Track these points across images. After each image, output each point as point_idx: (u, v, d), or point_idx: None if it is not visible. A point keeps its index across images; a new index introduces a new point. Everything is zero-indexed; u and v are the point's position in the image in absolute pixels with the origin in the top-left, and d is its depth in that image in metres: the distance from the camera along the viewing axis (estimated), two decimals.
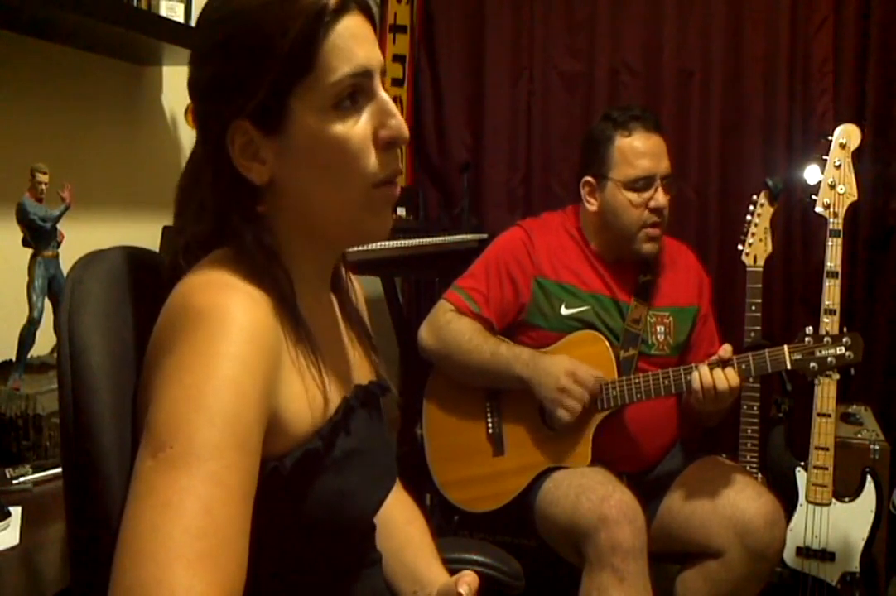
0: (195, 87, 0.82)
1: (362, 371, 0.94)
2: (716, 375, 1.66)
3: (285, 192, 0.81)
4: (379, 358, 0.98)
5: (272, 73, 0.75)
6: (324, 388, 0.81)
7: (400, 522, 1.07)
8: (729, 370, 1.66)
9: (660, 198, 1.86)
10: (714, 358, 1.69)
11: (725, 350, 1.68)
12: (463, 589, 0.88)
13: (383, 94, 0.80)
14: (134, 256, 0.86)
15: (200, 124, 0.83)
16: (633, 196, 1.86)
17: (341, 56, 0.76)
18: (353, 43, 0.77)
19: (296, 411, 0.77)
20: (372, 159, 0.79)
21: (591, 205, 1.93)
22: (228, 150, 0.79)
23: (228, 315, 0.71)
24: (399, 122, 0.80)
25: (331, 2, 0.76)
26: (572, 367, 1.79)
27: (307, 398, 0.79)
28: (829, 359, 1.66)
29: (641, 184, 1.85)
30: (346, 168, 0.79)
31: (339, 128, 0.78)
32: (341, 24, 0.76)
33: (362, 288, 1.06)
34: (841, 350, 1.66)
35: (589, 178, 1.93)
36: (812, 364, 1.66)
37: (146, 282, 0.84)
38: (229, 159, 0.79)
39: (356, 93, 0.78)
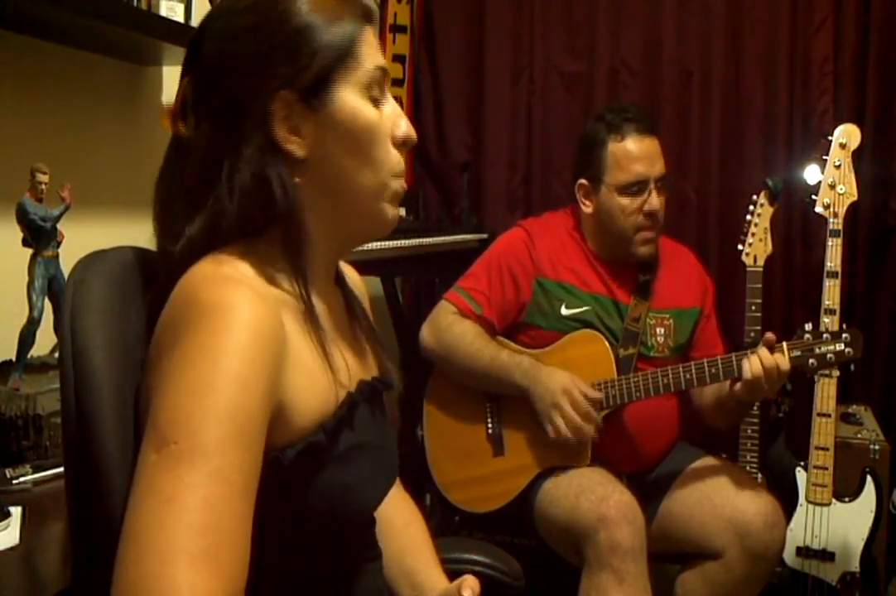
0: (230, 61, 0.81)
1: (367, 366, 0.94)
2: (778, 359, 1.62)
3: (318, 169, 0.83)
4: (384, 351, 0.98)
5: (326, 53, 0.80)
6: (329, 382, 0.81)
7: (399, 524, 1.07)
8: (779, 354, 1.64)
9: (653, 201, 1.85)
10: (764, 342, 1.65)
11: (770, 337, 1.65)
12: (467, 592, 0.88)
13: (391, 98, 0.87)
14: (137, 256, 0.86)
15: (231, 101, 0.80)
16: (626, 201, 1.85)
17: (371, 52, 0.84)
18: (376, 45, 0.86)
19: (300, 404, 0.77)
20: (393, 151, 0.87)
21: (587, 207, 1.93)
22: (271, 121, 0.79)
23: (232, 309, 0.71)
24: (409, 124, 0.88)
25: (363, 8, 0.85)
26: (571, 385, 1.77)
27: (312, 392, 0.79)
28: (828, 355, 1.66)
29: (635, 189, 1.85)
30: (378, 151, 0.85)
31: (373, 114, 0.84)
32: (369, 30, 0.85)
33: (362, 282, 1.06)
34: (840, 346, 1.65)
35: (583, 181, 1.93)
36: (811, 361, 1.66)
37: (149, 281, 0.83)
38: (268, 133, 0.80)
39: (380, 86, 0.85)
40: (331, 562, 0.85)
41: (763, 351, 1.63)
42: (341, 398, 0.83)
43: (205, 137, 0.81)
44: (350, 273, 1.04)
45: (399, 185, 0.88)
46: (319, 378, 0.81)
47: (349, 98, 0.82)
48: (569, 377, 1.79)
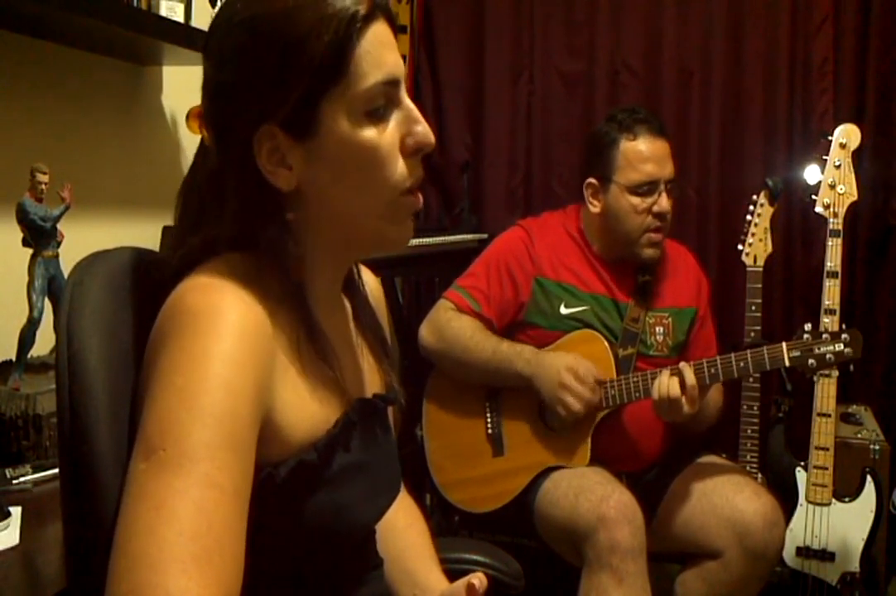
0: (217, 89, 0.79)
1: (370, 382, 0.93)
2: (671, 384, 1.67)
3: (311, 199, 0.80)
4: (392, 366, 0.97)
5: (306, 78, 0.74)
6: (324, 399, 0.80)
7: (401, 526, 1.07)
8: (674, 380, 1.67)
9: (663, 203, 1.85)
10: (671, 368, 1.71)
11: (683, 365, 1.70)
12: (475, 580, 0.88)
13: (409, 102, 0.80)
14: (137, 257, 0.86)
15: (220, 128, 0.79)
16: (636, 201, 1.85)
17: (372, 63, 0.76)
18: (383, 50, 0.77)
19: (291, 418, 0.77)
20: (400, 166, 0.79)
21: (594, 206, 1.93)
22: (255, 155, 0.76)
23: (219, 315, 0.71)
24: (426, 129, 0.80)
25: (361, 9, 0.75)
26: (574, 363, 1.79)
27: (304, 407, 0.78)
28: (827, 356, 1.65)
29: (645, 189, 1.85)
30: (376, 175, 0.78)
31: (370, 134, 0.77)
32: (371, 31, 0.76)
33: (380, 290, 1.04)
34: (840, 347, 1.65)
35: (592, 180, 1.93)
36: (811, 361, 1.66)
37: (148, 283, 0.83)
38: (255, 165, 0.77)
39: (386, 101, 0.78)
40: (328, 575, 0.85)
41: (664, 377, 1.69)
42: (337, 416, 0.82)
43: (204, 147, 0.82)
44: (370, 281, 1.01)
45: (408, 202, 0.82)
46: (312, 394, 0.79)
47: (338, 124, 0.76)
48: (570, 356, 1.80)
